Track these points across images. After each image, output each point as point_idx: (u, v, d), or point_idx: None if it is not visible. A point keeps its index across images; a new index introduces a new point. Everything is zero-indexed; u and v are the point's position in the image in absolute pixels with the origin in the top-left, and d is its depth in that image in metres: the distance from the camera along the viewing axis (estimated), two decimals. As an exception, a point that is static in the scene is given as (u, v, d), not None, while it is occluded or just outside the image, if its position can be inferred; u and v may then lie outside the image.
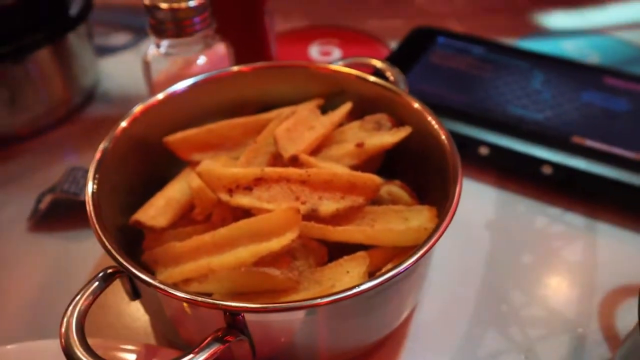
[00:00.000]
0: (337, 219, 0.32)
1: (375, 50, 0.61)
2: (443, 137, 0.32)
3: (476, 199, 0.42)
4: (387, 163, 0.37)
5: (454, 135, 0.42)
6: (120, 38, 0.64)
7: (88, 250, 0.39)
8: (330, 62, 0.40)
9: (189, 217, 0.35)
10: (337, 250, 0.31)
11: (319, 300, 0.24)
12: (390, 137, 0.35)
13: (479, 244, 0.39)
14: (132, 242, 0.33)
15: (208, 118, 0.38)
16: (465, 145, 0.43)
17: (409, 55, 0.53)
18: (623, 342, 0.30)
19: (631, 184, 0.40)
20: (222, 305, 0.24)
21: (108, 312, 0.35)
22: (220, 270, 0.29)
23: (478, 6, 0.73)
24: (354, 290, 0.24)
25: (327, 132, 0.36)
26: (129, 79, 0.56)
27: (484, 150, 0.43)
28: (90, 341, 0.23)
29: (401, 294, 0.29)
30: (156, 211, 0.33)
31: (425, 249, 0.26)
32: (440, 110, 0.44)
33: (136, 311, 0.35)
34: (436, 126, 0.33)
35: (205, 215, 0.34)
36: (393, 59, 0.52)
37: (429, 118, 0.34)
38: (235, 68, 0.39)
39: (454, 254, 0.38)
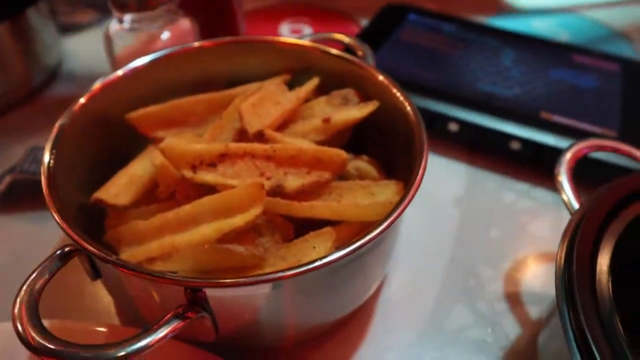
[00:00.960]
0: (303, 194, 0.31)
1: (346, 28, 0.60)
2: (409, 110, 0.32)
3: (446, 175, 0.42)
4: (355, 138, 0.37)
5: (424, 112, 0.42)
6: (85, 16, 0.62)
7: (51, 232, 0.38)
8: (299, 38, 0.39)
9: (153, 195, 0.34)
10: (304, 227, 0.31)
11: (280, 274, 0.23)
12: (357, 111, 0.34)
13: (448, 219, 0.39)
14: (97, 221, 0.32)
15: (172, 94, 0.37)
16: (435, 121, 0.43)
17: (380, 32, 0.52)
18: (545, 324, 0.30)
19: (597, 158, 0.40)
20: (181, 280, 0.23)
21: (70, 294, 0.34)
22: (184, 248, 0.29)
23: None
24: (317, 263, 0.23)
25: (293, 107, 0.35)
26: (95, 58, 0.54)
27: (453, 127, 0.43)
28: (47, 323, 0.23)
29: (367, 267, 0.29)
30: (118, 189, 0.33)
31: (388, 221, 0.25)
32: (410, 87, 0.44)
33: (99, 291, 0.34)
34: (402, 100, 0.33)
35: (169, 193, 0.33)
36: (364, 36, 0.52)
37: (396, 92, 0.33)
38: (198, 43, 0.38)
39: (422, 230, 0.37)
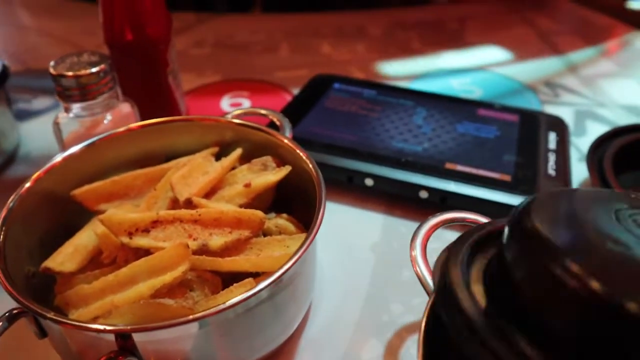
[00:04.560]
0: (228, 251, 0.36)
1: (281, 98, 0.66)
2: (312, 170, 0.37)
3: (364, 224, 0.47)
4: (280, 198, 0.42)
5: (343, 170, 0.48)
6: (41, 102, 0.68)
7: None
8: (227, 114, 0.45)
9: (99, 261, 0.38)
10: (232, 279, 0.35)
11: (185, 318, 0.28)
12: (272, 176, 0.40)
13: (364, 263, 0.43)
14: (48, 289, 0.36)
15: (115, 171, 0.42)
16: (354, 178, 0.49)
17: (307, 101, 0.59)
18: None
19: (495, 200, 0.46)
20: (106, 329, 0.28)
21: (21, 354, 0.38)
22: (123, 305, 0.33)
23: (377, 52, 0.81)
24: (219, 307, 0.28)
25: (219, 176, 0.40)
26: (50, 141, 0.59)
27: (369, 182, 0.48)
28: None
29: (280, 309, 0.34)
30: (64, 258, 0.37)
31: (284, 269, 0.30)
32: (330, 149, 0.50)
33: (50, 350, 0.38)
34: (308, 162, 0.38)
35: (112, 258, 0.38)
36: (291, 106, 0.58)
37: (302, 156, 0.39)
38: (136, 125, 0.43)
39: (341, 273, 0.42)
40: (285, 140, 0.41)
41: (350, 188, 0.50)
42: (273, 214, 0.41)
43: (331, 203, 0.49)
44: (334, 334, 0.38)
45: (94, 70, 0.43)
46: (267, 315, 0.33)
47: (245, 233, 0.36)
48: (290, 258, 0.31)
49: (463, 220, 0.35)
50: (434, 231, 0.35)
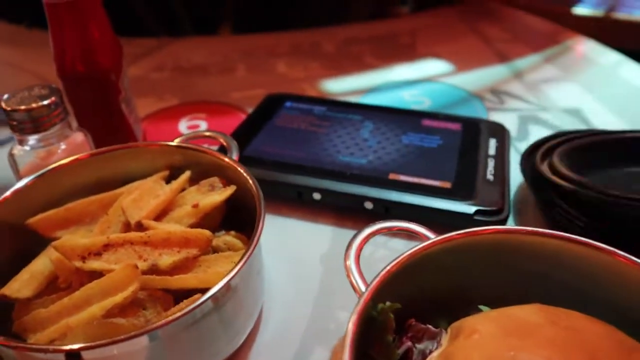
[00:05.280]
0: (178, 269, 0.38)
1: (238, 119, 0.68)
2: (254, 189, 0.40)
3: (313, 238, 0.49)
4: (232, 216, 0.44)
5: (292, 186, 0.51)
6: (3, 133, 0.69)
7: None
8: (176, 138, 0.47)
9: (55, 286, 0.40)
10: (184, 297, 0.37)
11: (129, 334, 0.30)
12: (218, 196, 0.42)
13: (313, 274, 0.46)
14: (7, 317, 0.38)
15: (72, 198, 0.44)
16: (303, 193, 0.51)
17: (259, 120, 0.61)
18: None
19: (435, 207, 0.48)
20: (53, 349, 0.30)
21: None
22: (77, 326, 0.35)
23: (331, 68, 0.84)
24: (163, 321, 0.30)
25: (168, 198, 0.43)
26: (7, 172, 0.61)
27: (317, 196, 0.51)
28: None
29: (226, 320, 0.36)
30: (21, 284, 0.39)
31: (226, 279, 0.32)
32: (280, 167, 0.53)
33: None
34: (250, 181, 0.41)
35: (68, 282, 0.39)
36: (243, 126, 0.60)
37: (246, 176, 0.41)
38: (88, 153, 0.45)
39: (290, 285, 0.45)
40: (229, 161, 0.43)
41: (301, 203, 0.52)
42: (222, 232, 0.43)
43: (283, 218, 0.52)
44: (282, 343, 0.40)
45: (45, 102, 0.45)
46: (214, 326, 0.35)
47: (193, 251, 0.39)
48: (230, 271, 0.33)
49: (393, 229, 0.38)
50: (367, 241, 0.37)
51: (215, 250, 0.41)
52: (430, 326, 0.36)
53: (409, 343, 0.35)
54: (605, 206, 0.45)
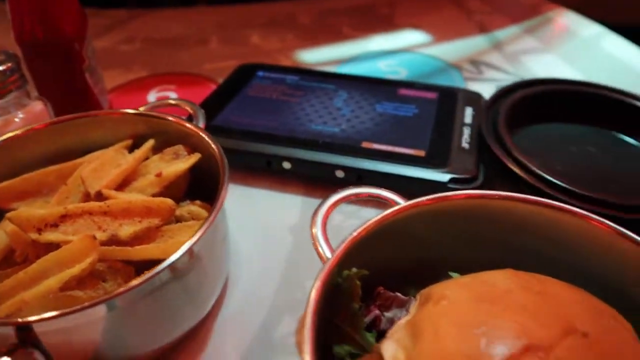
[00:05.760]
0: (139, 240, 0.36)
1: (209, 90, 0.66)
2: (218, 156, 0.38)
3: (282, 208, 0.48)
4: (198, 186, 0.43)
5: (261, 156, 0.49)
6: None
7: None
8: (141, 107, 0.45)
9: (12, 260, 0.38)
10: (146, 268, 0.36)
11: (80, 306, 0.28)
12: (182, 164, 0.40)
13: (281, 244, 0.45)
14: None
15: (32, 169, 0.42)
16: (272, 162, 0.50)
17: (230, 90, 0.59)
18: None
19: (408, 175, 0.47)
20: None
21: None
22: (33, 300, 0.33)
23: (307, 39, 0.82)
24: (121, 289, 0.29)
25: (130, 167, 0.41)
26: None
27: (287, 165, 0.49)
28: None
29: (190, 289, 0.34)
30: (-25, 259, 0.37)
31: (187, 246, 0.31)
32: (250, 136, 0.51)
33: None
34: (215, 149, 0.39)
35: (24, 255, 0.38)
36: (214, 96, 0.58)
37: (212, 144, 0.40)
38: (47, 122, 0.43)
39: (257, 256, 0.44)
40: (194, 129, 0.42)
41: (271, 173, 0.51)
42: (187, 202, 0.42)
43: (252, 188, 0.50)
44: (249, 312, 0.39)
45: (0, 68, 0.43)
46: (176, 295, 0.34)
47: (155, 221, 0.37)
48: (190, 239, 0.32)
49: (361, 195, 0.36)
50: (334, 208, 0.36)
51: (179, 220, 0.39)
52: (399, 294, 0.35)
53: (377, 311, 0.35)
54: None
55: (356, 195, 0.36)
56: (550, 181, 0.44)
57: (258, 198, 0.49)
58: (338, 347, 0.32)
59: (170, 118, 0.43)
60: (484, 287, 0.30)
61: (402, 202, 0.35)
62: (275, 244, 0.45)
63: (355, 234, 0.32)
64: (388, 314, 0.34)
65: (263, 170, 0.51)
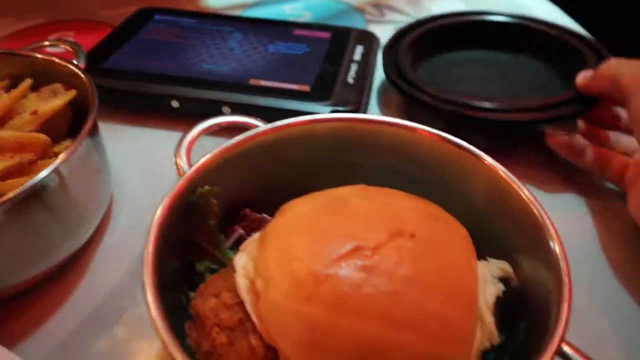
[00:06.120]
0: (13, 175, 0.37)
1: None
2: (90, 90, 0.39)
3: (168, 145, 0.47)
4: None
5: (151, 96, 0.50)
6: None
7: None
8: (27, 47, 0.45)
9: None
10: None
11: None
12: (58, 101, 0.41)
13: (166, 179, 0.45)
14: None
15: None
16: (161, 102, 0.51)
17: (124, 34, 0.59)
18: None
19: (291, 109, 0.49)
20: None
21: None
22: None
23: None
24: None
25: (5, 106, 0.41)
26: None
27: (175, 104, 0.50)
28: None
29: (57, 216, 0.36)
30: None
31: (47, 171, 0.33)
32: (141, 77, 0.52)
33: None
34: (85, 81, 0.40)
35: None
36: (108, 39, 0.58)
37: (83, 77, 0.41)
38: None
39: (139, 192, 0.45)
40: (72, 67, 0.42)
41: (160, 113, 0.52)
42: (69, 140, 0.42)
43: (140, 128, 0.52)
44: (131, 242, 0.41)
45: None
46: (42, 222, 0.35)
47: (28, 156, 0.38)
48: (49, 166, 0.33)
49: (224, 124, 0.38)
50: (197, 138, 0.37)
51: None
52: (266, 215, 0.38)
53: (241, 231, 0.37)
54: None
55: (219, 124, 0.38)
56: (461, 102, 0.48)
57: (145, 137, 0.51)
58: (199, 263, 0.34)
59: (49, 58, 0.43)
60: (328, 199, 0.33)
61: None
62: (160, 179, 0.45)
63: (209, 155, 0.34)
64: (255, 235, 0.36)
65: (153, 111, 0.52)
